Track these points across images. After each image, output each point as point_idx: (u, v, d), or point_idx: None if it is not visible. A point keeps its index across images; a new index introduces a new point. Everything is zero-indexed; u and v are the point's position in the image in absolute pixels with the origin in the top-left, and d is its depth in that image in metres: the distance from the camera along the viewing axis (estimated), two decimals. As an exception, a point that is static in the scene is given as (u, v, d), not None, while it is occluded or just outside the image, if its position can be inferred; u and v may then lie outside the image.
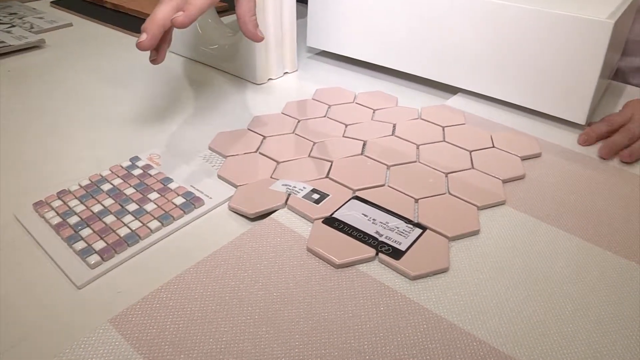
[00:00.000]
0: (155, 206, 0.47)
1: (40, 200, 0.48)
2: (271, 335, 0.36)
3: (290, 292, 0.39)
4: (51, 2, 1.08)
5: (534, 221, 0.48)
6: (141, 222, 0.46)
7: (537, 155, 0.58)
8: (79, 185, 0.50)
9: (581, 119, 0.61)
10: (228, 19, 0.94)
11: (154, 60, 0.52)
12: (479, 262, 0.43)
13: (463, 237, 0.45)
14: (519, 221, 0.48)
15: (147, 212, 0.47)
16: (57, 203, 0.48)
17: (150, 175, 0.52)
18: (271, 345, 0.35)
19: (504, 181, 0.53)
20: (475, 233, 0.46)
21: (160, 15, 0.48)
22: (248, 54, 0.71)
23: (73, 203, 0.48)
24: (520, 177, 0.54)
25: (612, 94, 0.73)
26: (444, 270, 0.42)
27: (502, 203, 0.50)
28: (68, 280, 0.41)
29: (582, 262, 0.43)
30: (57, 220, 0.46)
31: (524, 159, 0.57)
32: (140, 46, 0.48)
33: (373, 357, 0.34)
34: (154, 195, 0.49)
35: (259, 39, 0.55)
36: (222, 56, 0.76)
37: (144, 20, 0.49)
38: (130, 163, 0.54)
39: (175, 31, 0.50)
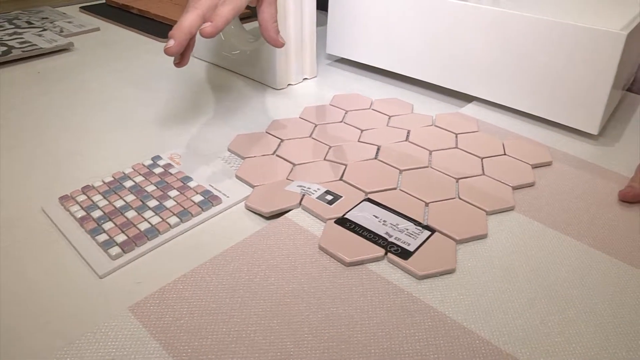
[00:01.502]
0: (174, 203, 0.50)
1: (66, 195, 0.50)
2: (281, 327, 0.37)
3: (301, 287, 0.41)
4: (80, 7, 1.12)
5: (542, 227, 0.49)
6: (161, 217, 0.48)
7: (548, 164, 0.59)
8: (103, 181, 0.53)
9: (594, 129, 0.62)
10: (250, 25, 0.97)
11: (178, 64, 0.54)
12: (485, 265, 0.44)
13: (471, 241, 0.47)
14: (527, 227, 0.49)
15: (167, 209, 0.49)
16: (81, 198, 0.50)
17: (171, 174, 0.54)
18: (281, 337, 0.37)
19: (514, 188, 0.54)
20: (483, 237, 0.47)
21: (187, 24, 0.50)
22: (269, 59, 0.73)
23: (97, 198, 0.50)
24: (531, 185, 0.55)
25: (629, 104, 0.74)
26: (451, 271, 0.43)
27: (510, 209, 0.51)
28: (91, 270, 0.43)
29: (587, 268, 0.44)
30: (81, 213, 0.48)
31: (534, 166, 0.57)
32: (167, 52, 0.50)
33: (378, 351, 0.36)
34: (173, 193, 0.51)
35: (279, 44, 0.57)
36: (244, 61, 0.78)
37: (168, 25, 0.52)
38: (152, 162, 0.56)
39: (199, 37, 0.53)
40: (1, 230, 0.47)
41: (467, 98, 0.73)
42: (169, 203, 0.50)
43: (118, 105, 0.69)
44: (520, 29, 0.62)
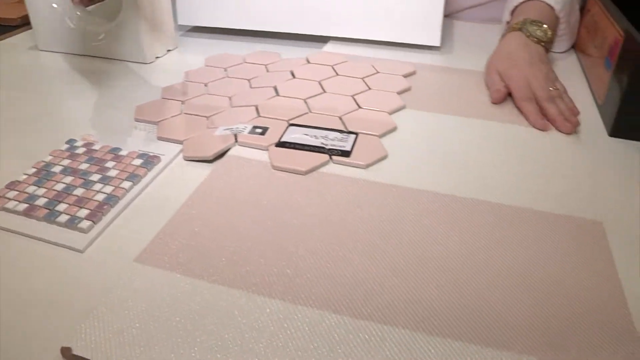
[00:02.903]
0: (117, 171, 0.51)
1: (-7, 196, 0.48)
2: (268, 235, 0.43)
3: (274, 201, 0.46)
4: None
5: (432, 114, 0.62)
6: (112, 185, 0.49)
7: (413, 73, 0.71)
8: (26, 174, 0.51)
9: (436, 42, 0.76)
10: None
11: None
12: (405, 147, 0.54)
13: (387, 134, 0.56)
14: (420, 115, 0.61)
15: (114, 177, 0.50)
16: (12, 194, 0.49)
17: (97, 150, 0.54)
18: (265, 243, 0.42)
19: (399, 92, 0.65)
20: (394, 130, 0.57)
21: None
22: (132, 37, 0.74)
23: (31, 189, 0.49)
24: (408, 89, 0.67)
25: (447, 26, 0.90)
26: (385, 157, 0.52)
27: (403, 107, 0.62)
28: (68, 250, 0.43)
29: (474, 129, 0.58)
30: (23, 206, 0.47)
31: (405, 76, 0.69)
32: None
33: (349, 221, 0.44)
34: (111, 164, 0.52)
35: None
36: (110, 45, 0.77)
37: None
38: (68, 145, 0.55)
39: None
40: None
41: (323, 40, 0.82)
42: (112, 173, 0.51)
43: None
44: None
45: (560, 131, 0.58)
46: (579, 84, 0.70)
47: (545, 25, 0.69)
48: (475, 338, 0.34)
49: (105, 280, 0.39)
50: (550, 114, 0.59)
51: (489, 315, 0.36)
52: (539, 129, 0.58)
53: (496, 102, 0.63)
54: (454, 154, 0.54)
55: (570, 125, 0.58)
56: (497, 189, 0.48)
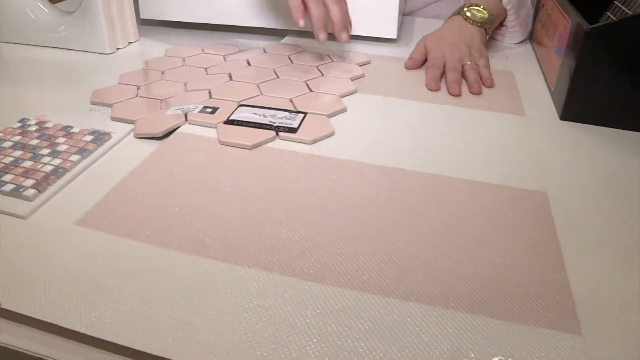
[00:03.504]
0: (67, 146, 0.52)
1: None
2: (207, 201, 0.44)
3: (217, 172, 0.48)
4: None
5: (381, 97, 0.64)
6: (61, 158, 0.50)
7: (368, 62, 0.74)
8: (-25, 150, 0.52)
9: (393, 35, 0.79)
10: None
11: None
12: (353, 126, 0.57)
13: (336, 114, 0.58)
14: (369, 99, 0.63)
15: (63, 151, 0.51)
16: (-40, 167, 0.49)
17: (49, 128, 0.55)
18: (204, 209, 0.44)
19: (352, 78, 0.67)
20: (344, 111, 0.59)
21: None
22: (94, 28, 0.75)
23: (-21, 163, 0.49)
24: (361, 76, 0.69)
25: (408, 23, 0.93)
26: (332, 134, 0.54)
27: (355, 91, 0.64)
28: (11, 217, 0.43)
29: (422, 110, 0.60)
30: (-30, 178, 0.47)
31: (360, 65, 0.72)
32: None
33: (288, 189, 0.46)
34: (61, 140, 0.53)
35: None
36: (71, 36, 0.78)
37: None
38: (20, 124, 0.56)
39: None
40: None
41: (284, 34, 0.84)
42: (62, 147, 0.51)
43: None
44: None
45: (449, 93, 0.65)
46: (534, 75, 0.74)
47: (484, 9, 0.74)
48: (409, 295, 0.36)
49: (47, 244, 0.40)
50: (448, 79, 0.67)
51: (430, 273, 0.37)
52: (430, 90, 0.66)
53: (408, 67, 0.72)
54: (403, 133, 0.56)
55: (457, 87, 0.65)
56: (442, 163, 0.50)
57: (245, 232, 0.40)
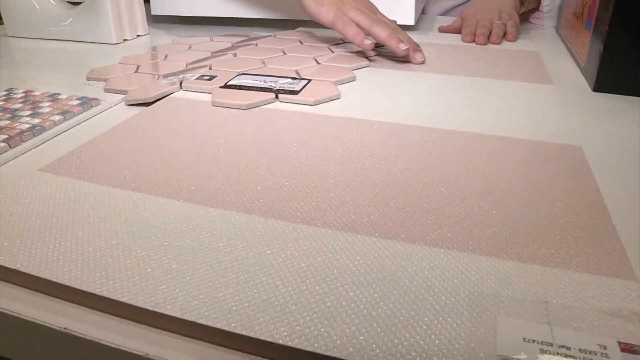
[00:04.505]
0: (51, 109, 0.48)
1: None
2: (195, 155, 0.39)
3: (203, 129, 0.43)
4: None
5: (397, 71, 0.59)
6: (41, 118, 0.46)
7: (382, 46, 0.69)
8: (-44, 115, 0.48)
9: (410, 21, 0.74)
10: None
11: None
12: (364, 92, 0.51)
13: (344, 82, 0.53)
14: (386, 73, 0.59)
15: (45, 113, 0.47)
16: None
17: (35, 95, 0.51)
18: (194, 163, 0.38)
19: (366, 56, 0.62)
20: (352, 79, 0.54)
21: None
22: (101, 19, 0.73)
23: (-44, 125, 0.46)
24: (374, 56, 0.64)
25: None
26: (337, 97, 0.49)
27: (367, 66, 0.59)
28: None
29: (441, 80, 0.54)
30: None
31: (375, 48, 0.67)
32: None
33: (294, 142, 0.40)
34: (46, 104, 0.49)
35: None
36: (78, 28, 0.76)
37: None
38: (7, 92, 0.53)
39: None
40: None
41: (297, 25, 0.80)
42: (45, 110, 0.48)
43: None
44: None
45: (476, 43, 0.71)
46: (562, 55, 0.69)
47: None
48: (417, 238, 0.29)
49: (9, 191, 0.35)
50: (477, 33, 0.72)
51: (442, 216, 0.31)
52: (465, 42, 0.73)
53: (441, 30, 0.80)
54: (420, 97, 0.50)
55: (484, 38, 0.71)
56: (460, 121, 0.44)
57: (227, 179, 0.35)
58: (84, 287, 0.25)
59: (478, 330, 0.23)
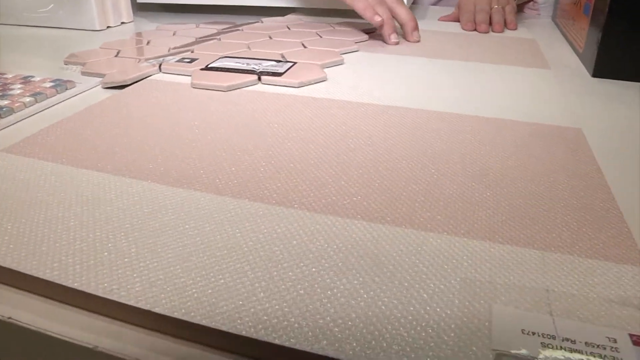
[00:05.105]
0: (22, 90, 0.45)
1: None
2: (169, 137, 0.36)
3: (183, 112, 0.40)
4: None
5: (389, 55, 0.57)
6: (10, 100, 0.43)
7: (374, 31, 0.66)
8: None
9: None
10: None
11: None
12: (352, 74, 0.48)
13: (331, 66, 0.50)
14: (377, 57, 0.56)
15: (15, 95, 0.44)
16: None
17: (7, 77, 0.49)
18: (167, 145, 0.36)
19: (355, 41, 0.59)
20: (340, 62, 0.51)
21: None
22: (83, 4, 0.70)
23: None
24: (365, 40, 0.61)
25: None
26: (324, 80, 0.46)
27: (356, 50, 0.57)
28: None
29: (435, 65, 0.51)
30: None
31: (366, 32, 0.65)
32: None
33: (274, 123, 0.37)
34: (17, 86, 0.46)
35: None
36: (60, 14, 0.73)
37: None
38: (-23, 75, 0.50)
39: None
40: None
41: (286, 12, 0.78)
42: (16, 91, 0.45)
43: None
44: None
45: (478, 31, 0.69)
46: (559, 43, 0.67)
47: None
48: (403, 221, 0.27)
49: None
50: (477, 20, 0.71)
51: (432, 198, 0.28)
52: (465, 30, 0.71)
53: (441, 19, 0.78)
54: (411, 80, 0.48)
55: (485, 26, 0.69)
56: (453, 103, 0.42)
57: (200, 160, 0.32)
58: (32, 272, 0.23)
59: (471, 321, 0.20)
